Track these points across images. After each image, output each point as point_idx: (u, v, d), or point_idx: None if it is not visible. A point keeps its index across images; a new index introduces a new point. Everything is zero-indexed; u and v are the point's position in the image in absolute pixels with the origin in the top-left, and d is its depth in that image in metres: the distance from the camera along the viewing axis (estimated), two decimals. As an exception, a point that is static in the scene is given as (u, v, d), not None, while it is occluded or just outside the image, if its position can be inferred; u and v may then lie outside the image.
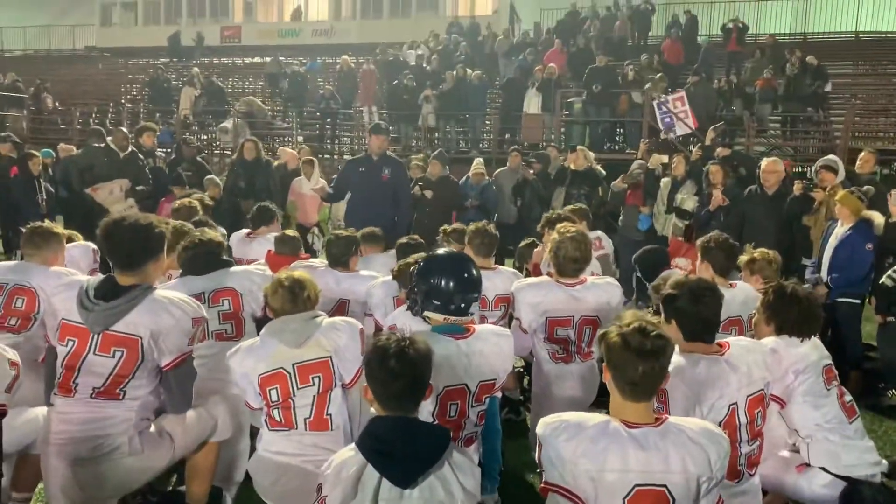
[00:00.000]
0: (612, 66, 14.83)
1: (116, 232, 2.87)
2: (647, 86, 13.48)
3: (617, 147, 14.51)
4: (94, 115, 19.84)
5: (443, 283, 2.90)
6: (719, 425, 2.56)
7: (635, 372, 2.13)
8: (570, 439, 2.15)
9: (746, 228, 6.61)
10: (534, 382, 4.04)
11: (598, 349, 2.29)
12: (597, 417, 2.21)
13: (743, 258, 4.30)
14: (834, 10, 21.16)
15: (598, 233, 5.99)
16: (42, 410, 3.08)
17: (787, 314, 3.23)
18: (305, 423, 2.96)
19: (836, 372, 3.34)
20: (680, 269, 6.92)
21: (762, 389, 2.81)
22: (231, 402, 3.40)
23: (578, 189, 8.39)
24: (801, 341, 3.22)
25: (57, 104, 20.04)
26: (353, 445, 2.20)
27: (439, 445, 2.17)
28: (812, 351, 3.23)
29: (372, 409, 2.30)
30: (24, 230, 3.97)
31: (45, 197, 8.22)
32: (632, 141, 13.78)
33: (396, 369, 2.19)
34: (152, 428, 2.99)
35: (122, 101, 21.86)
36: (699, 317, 2.72)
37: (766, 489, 3.10)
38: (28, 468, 3.22)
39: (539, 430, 2.25)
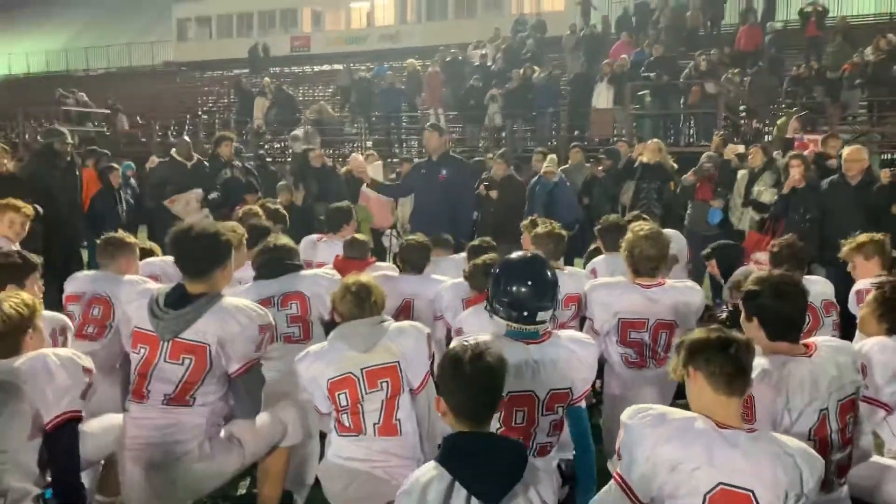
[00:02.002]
0: (671, 57, 14.48)
1: (184, 240, 2.93)
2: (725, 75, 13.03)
3: (692, 139, 14.07)
4: (172, 128, 20.58)
5: (511, 288, 2.77)
6: (809, 433, 2.41)
7: (726, 356, 2.07)
8: (656, 425, 2.09)
9: (828, 221, 6.26)
10: (606, 386, 3.91)
11: (675, 358, 2.18)
12: (685, 413, 2.14)
13: (847, 247, 4.10)
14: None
15: (670, 231, 5.77)
16: (119, 417, 3.15)
17: None
18: (374, 429, 2.92)
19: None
20: (760, 263, 6.66)
21: (853, 394, 2.61)
22: (300, 405, 3.40)
23: (649, 183, 8.15)
24: None
25: (136, 120, 20.86)
26: (434, 464, 2.12)
27: (522, 459, 2.11)
28: None
29: (443, 424, 2.25)
30: (98, 242, 4.10)
31: (125, 209, 8.51)
32: (704, 133, 13.38)
33: (472, 377, 2.13)
34: (222, 433, 3.02)
35: (199, 112, 22.61)
36: (783, 314, 2.56)
37: (855, 496, 2.89)
38: (114, 472, 3.29)
39: (624, 416, 2.19)
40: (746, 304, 2.64)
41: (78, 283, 4.03)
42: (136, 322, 2.94)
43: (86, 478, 3.10)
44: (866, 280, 3.82)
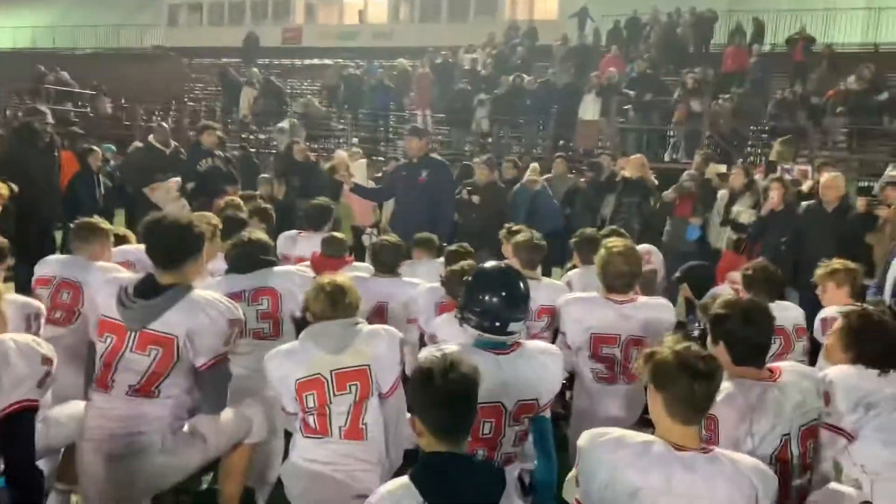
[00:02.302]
0: (654, 74, 14.63)
1: (156, 231, 2.90)
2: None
3: (675, 156, 14.18)
4: (157, 113, 20.38)
5: (485, 298, 2.75)
6: (771, 458, 2.43)
7: (689, 392, 2.05)
8: (613, 451, 2.08)
9: (803, 246, 6.33)
10: (575, 398, 3.92)
11: (642, 371, 2.17)
12: (642, 436, 2.13)
13: (820, 271, 4.11)
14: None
15: (648, 246, 5.81)
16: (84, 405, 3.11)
17: (870, 345, 2.94)
18: (340, 432, 2.91)
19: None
20: (735, 283, 6.71)
21: (815, 420, 2.64)
22: (266, 403, 3.38)
23: (630, 198, 8.20)
24: (879, 374, 2.94)
25: (120, 102, 20.60)
26: (406, 481, 2.05)
27: (500, 487, 2.07)
28: (887, 385, 2.95)
29: (409, 430, 2.23)
30: (72, 226, 4.05)
31: (103, 192, 8.40)
32: (689, 150, 13.51)
33: (446, 390, 2.07)
34: (186, 427, 2.98)
35: (185, 99, 22.41)
36: (750, 340, 2.58)
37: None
38: (74, 460, 3.25)
39: (581, 441, 2.17)
40: (713, 329, 2.65)
41: (48, 266, 3.97)
42: (104, 310, 2.90)
43: (45, 465, 3.07)
44: (833, 308, 3.86)
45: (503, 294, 2.75)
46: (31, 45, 33.39)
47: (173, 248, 2.89)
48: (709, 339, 2.69)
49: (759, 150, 13.97)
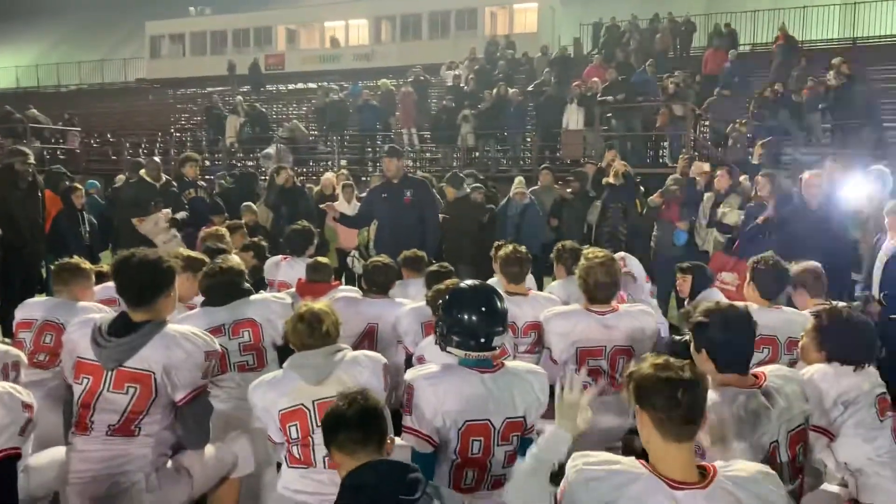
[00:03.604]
0: (625, 79, 14.76)
1: (125, 269, 2.88)
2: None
3: (661, 161, 14.24)
4: (143, 146, 20.39)
5: (465, 317, 2.77)
6: (759, 465, 2.39)
7: (674, 402, 1.96)
8: (600, 483, 1.97)
9: (791, 245, 6.32)
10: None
11: (625, 389, 2.13)
12: (635, 466, 2.01)
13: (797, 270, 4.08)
14: (885, 14, 20.50)
15: (622, 253, 5.82)
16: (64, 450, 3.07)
17: (840, 341, 2.96)
18: (325, 462, 2.86)
19: (891, 401, 3.09)
20: (726, 284, 6.70)
21: (803, 424, 2.61)
22: (255, 434, 3.34)
23: (615, 203, 8.22)
24: (854, 370, 2.95)
25: (107, 137, 20.54)
26: None
27: (413, 479, 2.07)
28: (864, 380, 2.96)
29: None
30: (52, 267, 4.03)
31: (88, 229, 8.38)
32: (672, 155, 13.57)
33: (350, 422, 2.22)
34: (170, 464, 2.95)
35: (171, 130, 22.45)
36: (731, 346, 2.56)
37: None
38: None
39: (569, 471, 2.06)
40: (695, 336, 2.63)
41: (29, 309, 3.94)
42: (79, 352, 2.87)
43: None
44: (806, 311, 3.84)
45: (481, 310, 2.78)
46: (14, 84, 33.46)
47: (144, 286, 2.87)
48: (692, 346, 2.66)
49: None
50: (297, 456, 2.89)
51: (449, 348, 2.84)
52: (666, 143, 14.33)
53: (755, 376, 2.61)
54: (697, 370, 2.09)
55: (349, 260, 8.87)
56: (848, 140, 13.60)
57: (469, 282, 2.99)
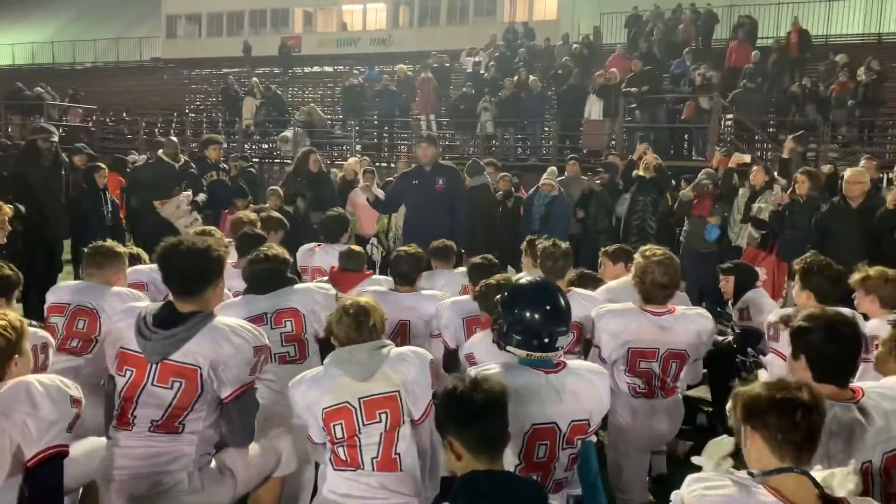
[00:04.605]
0: (651, 70, 14.49)
1: (173, 257, 2.73)
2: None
3: (684, 153, 14.03)
4: (158, 126, 20.26)
5: (528, 315, 2.63)
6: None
7: (791, 425, 1.86)
8: None
9: (830, 245, 6.15)
10: (611, 414, 3.75)
11: (731, 412, 2.01)
12: (758, 497, 1.88)
13: (855, 276, 3.86)
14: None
15: None
16: (103, 441, 2.95)
17: None
18: (373, 463, 2.73)
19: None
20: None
21: (901, 446, 2.44)
22: (295, 432, 3.22)
23: (645, 196, 8.06)
24: None
25: (122, 116, 20.43)
26: None
27: (540, 500, 2.00)
28: None
29: (453, 467, 2.11)
30: (86, 250, 3.90)
31: (110, 209, 8.28)
32: (698, 147, 13.36)
33: (478, 406, 2.07)
34: (213, 463, 2.83)
35: (186, 110, 22.31)
36: (834, 356, 2.39)
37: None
38: (93, 499, 3.09)
39: (684, 492, 1.97)
40: (795, 342, 2.47)
41: (61, 293, 3.78)
42: (123, 342, 2.74)
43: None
44: (873, 322, 3.64)
45: (546, 308, 2.65)
46: (30, 61, 33.38)
47: (192, 276, 2.73)
48: (789, 352, 2.51)
49: (769, 146, 13.81)
50: (343, 458, 2.77)
51: (508, 347, 2.70)
52: (687, 136, 14.13)
53: (853, 391, 2.44)
54: (814, 391, 1.97)
55: (368, 248, 8.77)
56: (873, 137, 13.39)
57: (531, 278, 2.85)
